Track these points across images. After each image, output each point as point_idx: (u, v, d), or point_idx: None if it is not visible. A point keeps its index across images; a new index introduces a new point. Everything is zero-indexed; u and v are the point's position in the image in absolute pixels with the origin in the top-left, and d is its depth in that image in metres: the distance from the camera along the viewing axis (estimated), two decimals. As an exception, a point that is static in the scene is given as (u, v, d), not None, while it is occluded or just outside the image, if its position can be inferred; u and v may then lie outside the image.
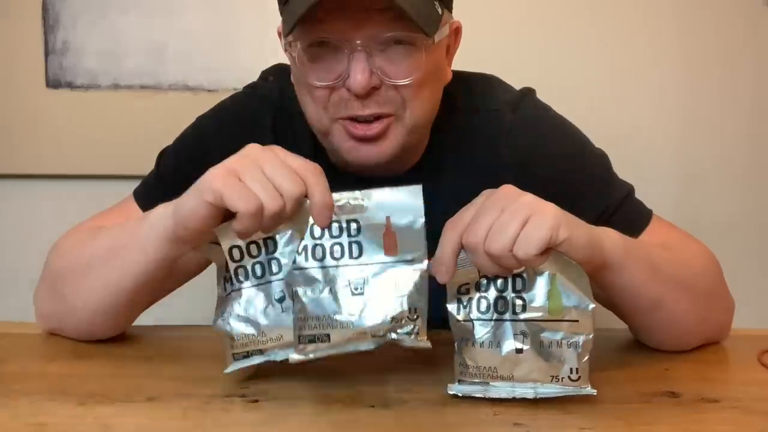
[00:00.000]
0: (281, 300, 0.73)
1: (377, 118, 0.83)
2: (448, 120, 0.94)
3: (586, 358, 0.72)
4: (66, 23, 1.44)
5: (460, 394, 0.74)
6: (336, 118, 0.84)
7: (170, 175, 0.96)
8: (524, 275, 0.72)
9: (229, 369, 0.75)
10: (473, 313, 0.74)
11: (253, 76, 1.04)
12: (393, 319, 0.71)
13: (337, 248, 0.72)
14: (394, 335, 0.71)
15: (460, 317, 0.74)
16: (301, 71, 0.83)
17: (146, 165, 1.00)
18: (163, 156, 0.99)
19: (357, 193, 0.72)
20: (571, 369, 0.72)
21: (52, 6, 1.44)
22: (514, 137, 0.92)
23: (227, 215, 0.70)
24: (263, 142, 0.95)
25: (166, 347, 0.90)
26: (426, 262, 0.72)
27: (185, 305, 0.95)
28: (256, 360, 0.74)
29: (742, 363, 0.86)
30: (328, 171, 0.89)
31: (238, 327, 0.74)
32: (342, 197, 0.72)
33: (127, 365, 0.84)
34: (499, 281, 0.73)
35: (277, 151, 0.71)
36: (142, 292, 0.84)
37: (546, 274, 0.72)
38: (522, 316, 0.72)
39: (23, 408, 0.72)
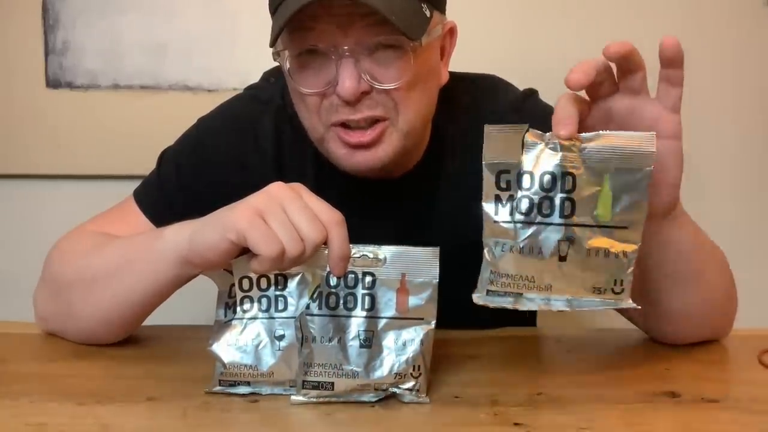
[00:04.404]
0: (280, 338, 0.74)
1: (372, 123, 0.83)
2: (449, 121, 0.94)
3: (632, 269, 0.68)
4: (66, 23, 1.45)
5: (490, 305, 0.69)
6: (329, 125, 0.84)
7: (171, 177, 0.96)
8: (574, 173, 0.67)
9: (212, 390, 0.75)
10: (514, 214, 0.68)
11: (253, 77, 1.04)
12: (397, 374, 0.72)
13: (350, 298, 0.72)
14: (396, 389, 0.73)
15: (498, 218, 0.68)
16: (292, 80, 0.84)
17: (146, 165, 1.00)
18: (165, 157, 0.99)
19: (375, 247, 0.73)
20: (615, 281, 0.68)
21: (52, 6, 1.44)
22: None
23: (245, 249, 0.71)
24: (264, 145, 0.96)
25: (166, 347, 0.90)
26: (434, 322, 0.73)
27: (185, 305, 0.95)
28: (242, 390, 0.75)
29: (742, 363, 0.86)
30: (328, 175, 0.90)
31: (233, 356, 0.74)
32: (360, 250, 0.72)
33: (127, 365, 0.84)
34: (546, 179, 0.67)
35: (301, 191, 0.71)
36: (148, 306, 0.85)
37: (598, 173, 0.67)
38: (569, 221, 0.67)
39: (23, 408, 0.72)
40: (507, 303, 0.69)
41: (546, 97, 0.98)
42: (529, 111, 0.94)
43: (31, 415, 0.71)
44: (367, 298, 0.72)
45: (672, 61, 0.70)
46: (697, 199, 0.75)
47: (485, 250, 0.70)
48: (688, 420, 0.70)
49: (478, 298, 0.70)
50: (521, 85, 1.00)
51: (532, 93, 0.98)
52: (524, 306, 0.69)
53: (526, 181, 0.68)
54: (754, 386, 0.79)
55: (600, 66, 0.70)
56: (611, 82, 0.72)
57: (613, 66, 0.72)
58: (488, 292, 0.69)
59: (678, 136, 0.72)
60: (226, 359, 0.75)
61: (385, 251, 0.73)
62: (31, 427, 0.69)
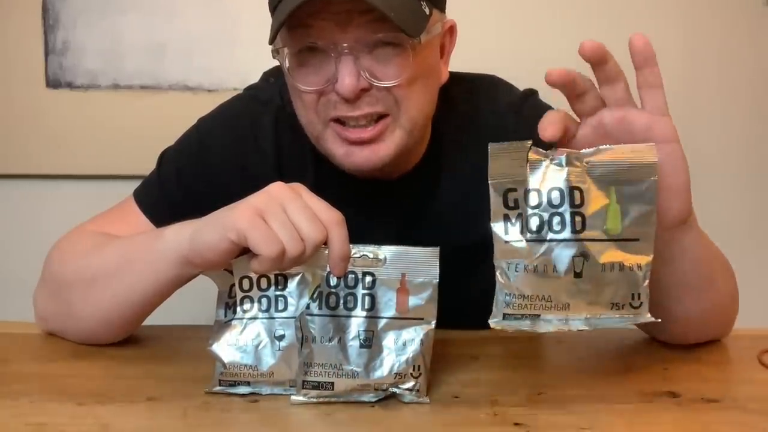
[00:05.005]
0: (280, 338, 0.74)
1: (373, 121, 0.83)
2: (449, 122, 0.94)
3: (647, 282, 0.67)
4: (66, 23, 1.45)
5: (508, 329, 0.68)
6: (327, 121, 0.83)
7: (171, 177, 0.96)
8: (581, 187, 0.67)
9: (212, 390, 0.75)
10: (525, 232, 0.67)
11: (253, 77, 1.04)
12: (397, 374, 0.72)
13: (350, 298, 0.72)
14: (396, 390, 0.73)
15: (508, 237, 0.67)
16: (291, 77, 0.84)
17: (146, 165, 1.00)
18: (165, 157, 0.99)
19: (375, 247, 0.73)
20: (633, 294, 0.67)
21: (52, 6, 1.44)
22: (517, 139, 0.92)
23: (245, 249, 0.71)
24: (264, 145, 0.96)
25: (166, 347, 0.90)
26: (434, 322, 0.72)
27: (185, 305, 0.95)
28: (241, 390, 0.75)
29: (742, 363, 0.86)
30: (328, 175, 0.90)
31: (233, 356, 0.75)
32: (360, 250, 0.72)
33: (127, 365, 0.83)
34: (554, 195, 0.67)
35: (301, 191, 0.71)
36: (148, 306, 0.85)
37: (604, 187, 0.67)
38: (581, 236, 0.66)
39: (23, 408, 0.72)
40: (525, 326, 0.68)
41: (546, 97, 0.98)
42: (529, 111, 0.94)
43: (31, 415, 0.71)
44: (367, 298, 0.72)
45: (646, 59, 0.70)
46: (698, 199, 0.75)
47: (497, 273, 0.68)
48: (688, 420, 0.70)
49: (495, 323, 0.68)
50: (521, 85, 1.00)
51: (531, 93, 0.98)
52: (542, 328, 0.67)
53: (533, 198, 0.68)
54: (754, 386, 0.79)
55: (578, 75, 0.70)
56: (595, 96, 0.72)
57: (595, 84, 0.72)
58: (505, 315, 0.68)
59: (673, 138, 0.71)
60: (226, 359, 0.75)
61: (385, 251, 0.73)
62: (31, 427, 0.69)
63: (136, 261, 0.81)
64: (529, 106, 0.96)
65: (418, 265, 0.72)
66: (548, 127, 0.69)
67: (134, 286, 0.82)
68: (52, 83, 1.46)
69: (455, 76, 0.93)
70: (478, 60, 1.01)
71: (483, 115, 0.95)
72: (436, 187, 0.95)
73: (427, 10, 0.82)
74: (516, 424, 0.69)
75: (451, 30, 0.90)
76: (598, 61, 0.69)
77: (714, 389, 0.77)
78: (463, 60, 0.95)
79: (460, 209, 0.93)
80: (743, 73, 1.50)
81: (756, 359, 0.84)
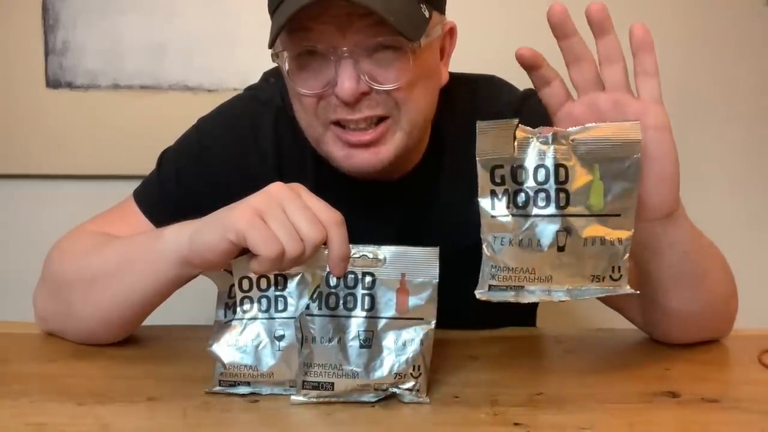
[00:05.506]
0: (280, 338, 0.74)
1: (373, 123, 0.83)
2: (449, 122, 0.94)
3: (627, 256, 0.69)
4: (66, 23, 1.45)
5: (493, 300, 0.70)
6: (327, 123, 0.83)
7: (171, 178, 0.96)
8: (567, 164, 0.69)
9: (212, 390, 0.75)
10: (511, 207, 0.69)
11: (254, 77, 1.04)
12: (397, 374, 0.72)
13: (350, 299, 0.72)
14: (396, 390, 0.73)
15: (495, 212, 0.70)
16: (291, 80, 0.84)
17: (146, 165, 1.00)
18: (164, 157, 0.99)
19: (375, 248, 0.73)
20: (613, 267, 0.69)
21: (52, 6, 1.44)
22: None
23: (245, 249, 0.71)
24: (264, 145, 0.96)
25: (166, 347, 0.90)
26: (434, 322, 0.73)
27: (185, 305, 0.95)
28: (242, 390, 0.75)
29: (742, 363, 0.86)
30: (328, 175, 0.90)
31: (233, 357, 0.74)
32: (360, 250, 0.72)
33: (127, 365, 0.84)
34: (540, 172, 0.69)
35: (301, 191, 0.71)
36: (148, 306, 0.85)
37: (589, 163, 0.68)
38: (565, 212, 0.69)
39: (23, 408, 0.72)
40: (509, 297, 0.70)
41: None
42: (529, 111, 0.94)
43: (31, 415, 0.71)
44: (366, 298, 0.72)
45: (644, 46, 0.72)
46: (697, 199, 0.75)
47: (484, 246, 0.71)
48: (688, 420, 0.70)
49: (481, 294, 0.71)
50: (521, 86, 1.00)
51: (532, 93, 0.98)
52: (525, 299, 0.70)
53: (520, 175, 0.70)
54: (754, 386, 0.79)
55: (546, 64, 0.75)
56: (591, 70, 0.74)
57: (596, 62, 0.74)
58: (490, 287, 0.70)
59: (664, 127, 0.72)
60: (226, 360, 0.75)
61: (385, 251, 0.73)
62: (31, 427, 0.69)
63: (136, 261, 0.82)
64: (529, 106, 0.96)
65: (418, 265, 0.72)
66: (525, 51, 0.73)
67: (134, 286, 0.82)
68: (52, 83, 1.46)
69: (455, 77, 0.93)
70: (478, 60, 1.01)
71: (483, 116, 0.94)
72: (436, 188, 0.95)
73: (426, 13, 0.82)
74: (516, 424, 0.69)
75: (451, 32, 0.90)
76: (600, 26, 0.72)
77: (714, 389, 0.77)
78: (464, 60, 0.95)
79: (460, 209, 0.92)
80: (743, 73, 1.50)
81: (756, 359, 0.84)
